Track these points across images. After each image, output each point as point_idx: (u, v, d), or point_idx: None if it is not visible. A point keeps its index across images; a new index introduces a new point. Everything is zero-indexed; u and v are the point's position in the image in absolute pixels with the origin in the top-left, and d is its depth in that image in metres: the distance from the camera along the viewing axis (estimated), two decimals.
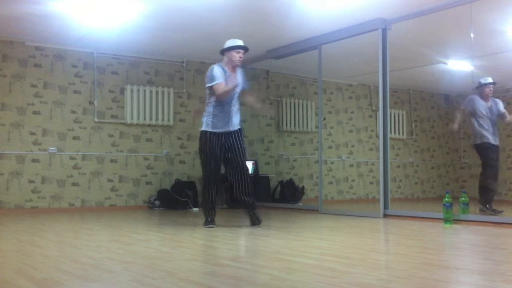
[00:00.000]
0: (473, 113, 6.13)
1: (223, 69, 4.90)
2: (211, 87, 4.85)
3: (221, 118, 4.88)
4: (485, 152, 6.12)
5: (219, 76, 4.83)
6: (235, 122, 4.99)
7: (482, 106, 6.14)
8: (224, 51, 4.96)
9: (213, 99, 4.90)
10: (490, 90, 6.15)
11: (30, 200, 6.78)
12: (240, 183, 4.92)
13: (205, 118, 4.92)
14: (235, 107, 5.00)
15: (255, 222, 4.95)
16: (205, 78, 4.96)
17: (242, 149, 4.96)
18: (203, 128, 4.91)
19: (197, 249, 3.54)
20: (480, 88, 6.12)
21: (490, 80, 6.17)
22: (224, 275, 2.54)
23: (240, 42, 4.96)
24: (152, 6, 5.56)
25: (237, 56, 4.90)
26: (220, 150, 4.89)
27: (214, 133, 4.86)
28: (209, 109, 4.91)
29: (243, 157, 4.96)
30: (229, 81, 4.84)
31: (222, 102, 4.87)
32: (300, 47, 7.03)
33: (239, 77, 5.00)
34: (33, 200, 6.80)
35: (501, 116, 6.21)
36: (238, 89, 4.96)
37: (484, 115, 6.12)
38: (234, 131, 4.96)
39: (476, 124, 6.13)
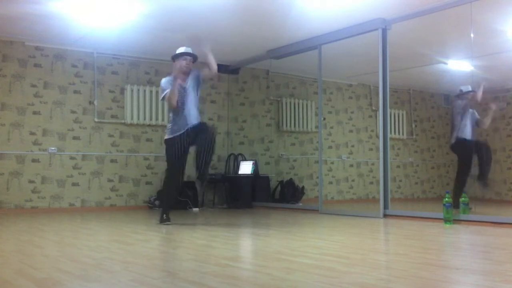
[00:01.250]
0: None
1: (170, 80, 5.19)
2: (163, 98, 5.22)
3: (179, 122, 5.15)
4: None
5: (165, 87, 5.17)
6: (193, 119, 5.19)
7: None
8: (173, 58, 5.30)
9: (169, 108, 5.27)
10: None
11: (30, 200, 6.78)
12: (202, 157, 5.07)
13: (167, 126, 5.28)
14: (192, 111, 5.20)
15: (201, 178, 5.15)
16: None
17: (207, 133, 5.10)
18: (166, 136, 5.23)
19: (197, 249, 3.54)
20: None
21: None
22: (224, 275, 2.54)
23: (188, 50, 5.25)
24: (152, 6, 5.56)
25: (183, 63, 5.21)
26: (184, 148, 5.14)
27: (175, 136, 5.13)
28: (170, 116, 5.26)
29: (208, 140, 5.08)
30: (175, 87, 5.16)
31: (177, 109, 5.15)
32: (300, 47, 7.03)
33: (188, 81, 5.22)
34: (33, 200, 6.80)
35: None
36: (192, 92, 5.22)
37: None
38: (194, 125, 5.15)
39: None
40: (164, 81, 5.24)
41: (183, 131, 5.13)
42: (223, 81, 8.36)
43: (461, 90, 6.28)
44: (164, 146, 5.33)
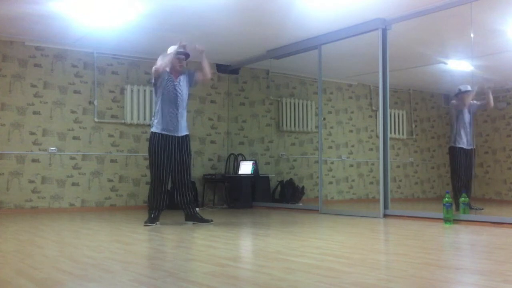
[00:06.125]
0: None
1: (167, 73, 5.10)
2: (155, 81, 5.04)
3: (169, 119, 5.04)
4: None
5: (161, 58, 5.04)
6: (183, 127, 5.15)
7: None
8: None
9: (160, 95, 5.06)
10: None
11: (30, 200, 6.78)
12: (180, 192, 5.14)
13: (154, 119, 5.09)
14: (184, 115, 5.17)
15: (200, 220, 5.15)
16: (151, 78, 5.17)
17: (187, 156, 5.16)
18: (153, 129, 5.06)
19: (197, 249, 3.54)
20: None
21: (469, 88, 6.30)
22: (224, 275, 2.54)
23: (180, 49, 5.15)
24: (152, 6, 5.56)
25: (176, 61, 5.09)
26: (169, 152, 5.04)
27: (163, 135, 5.02)
28: (157, 107, 5.07)
29: (187, 165, 5.15)
30: (169, 84, 5.07)
31: (168, 102, 5.03)
32: (300, 47, 7.03)
33: (183, 82, 5.18)
34: (33, 200, 6.80)
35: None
36: (186, 93, 5.19)
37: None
38: (182, 137, 5.13)
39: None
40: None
41: (173, 135, 5.05)
42: (223, 81, 8.36)
43: (459, 90, 6.24)
44: (149, 140, 5.11)
